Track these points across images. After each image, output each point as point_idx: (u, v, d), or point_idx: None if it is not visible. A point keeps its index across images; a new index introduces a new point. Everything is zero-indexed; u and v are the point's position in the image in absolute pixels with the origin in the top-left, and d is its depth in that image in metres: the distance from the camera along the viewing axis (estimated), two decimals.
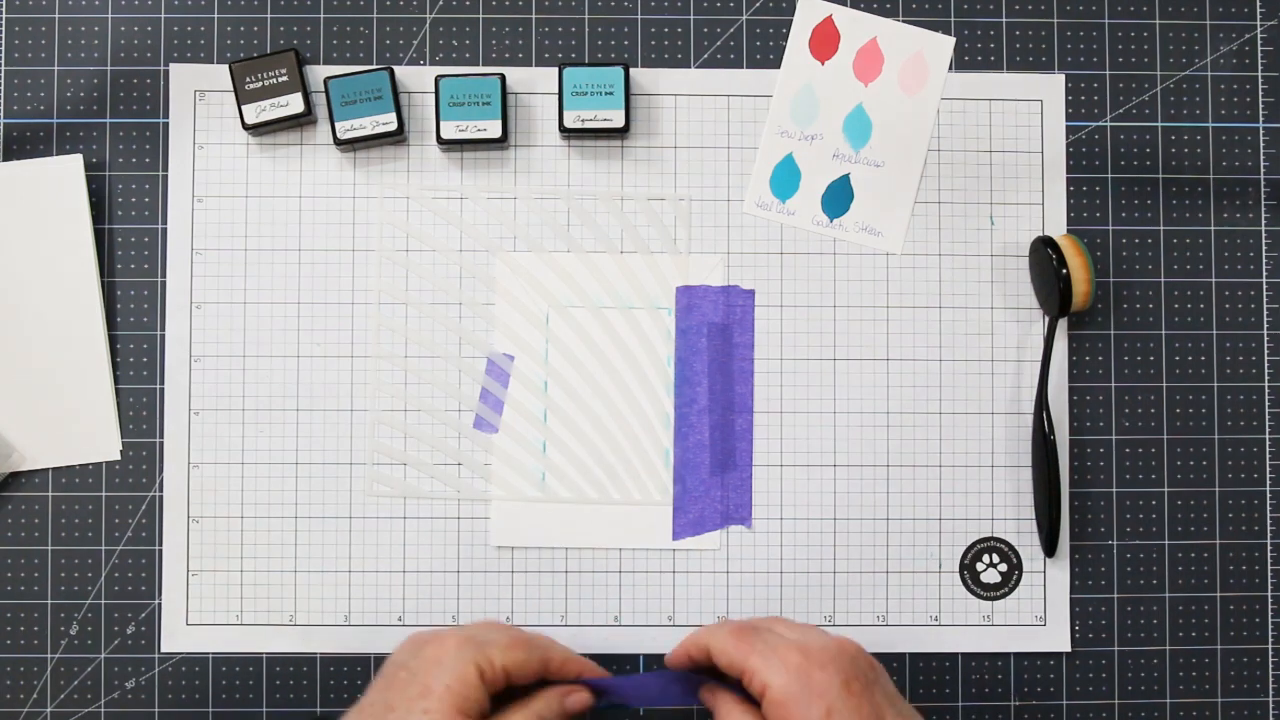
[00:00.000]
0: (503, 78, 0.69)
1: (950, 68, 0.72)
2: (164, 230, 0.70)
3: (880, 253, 0.71)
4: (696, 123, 0.71)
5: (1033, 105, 0.72)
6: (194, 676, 0.69)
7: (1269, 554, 0.71)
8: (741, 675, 0.56)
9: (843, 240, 0.71)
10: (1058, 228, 0.72)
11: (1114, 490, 0.71)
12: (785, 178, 0.71)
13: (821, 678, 0.54)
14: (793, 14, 0.72)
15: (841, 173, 0.72)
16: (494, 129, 0.69)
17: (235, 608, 0.69)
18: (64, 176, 0.69)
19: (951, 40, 0.72)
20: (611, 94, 0.69)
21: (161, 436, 0.70)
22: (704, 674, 0.59)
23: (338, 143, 0.69)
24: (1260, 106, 0.73)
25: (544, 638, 0.60)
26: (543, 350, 0.71)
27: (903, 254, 0.71)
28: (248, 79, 0.69)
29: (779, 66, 0.72)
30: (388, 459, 0.70)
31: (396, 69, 0.70)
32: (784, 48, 0.72)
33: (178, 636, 0.69)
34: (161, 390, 0.70)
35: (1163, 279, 0.72)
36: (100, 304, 0.69)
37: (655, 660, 0.70)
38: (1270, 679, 0.71)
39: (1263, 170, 0.72)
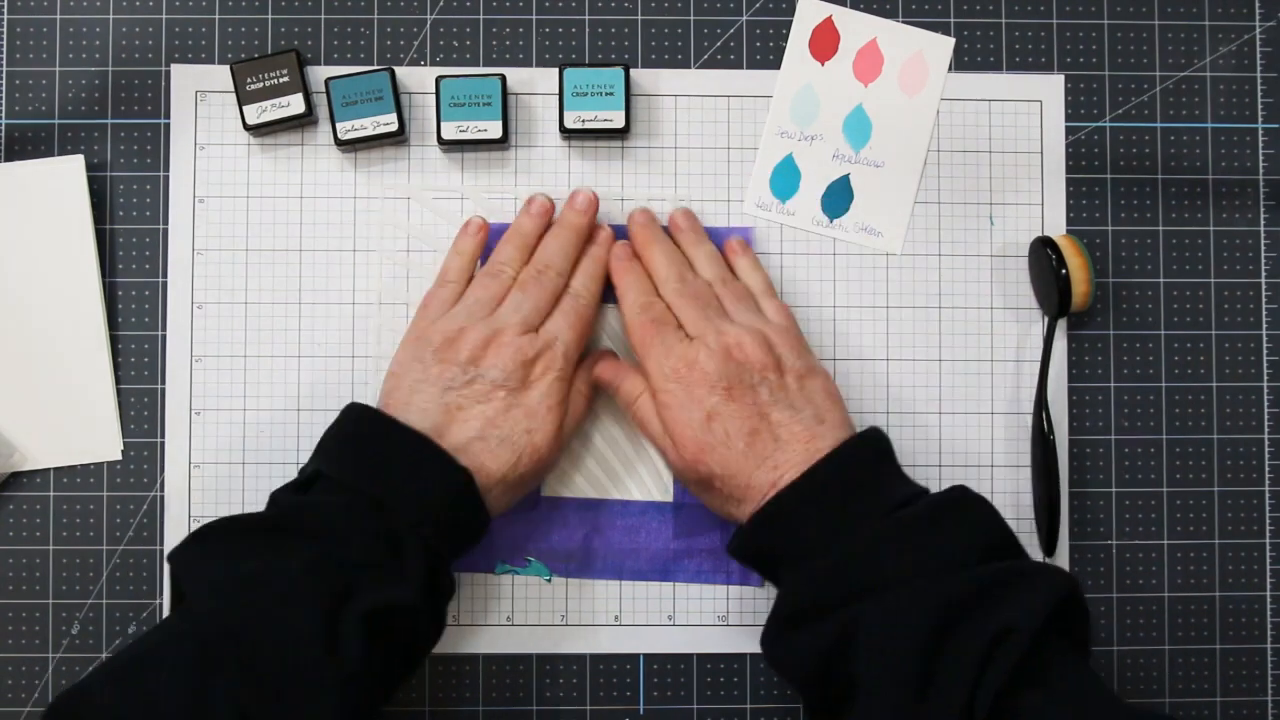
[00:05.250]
0: (503, 78, 0.69)
1: (950, 68, 0.72)
2: (165, 230, 0.70)
3: (880, 253, 0.71)
4: (696, 123, 0.72)
5: (1032, 105, 0.72)
6: None
7: (1269, 554, 0.71)
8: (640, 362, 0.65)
9: (842, 241, 0.72)
10: (1057, 228, 0.72)
11: (1114, 490, 0.71)
12: (785, 178, 0.72)
13: (701, 391, 0.62)
14: (792, 14, 0.72)
15: (841, 173, 0.72)
16: (494, 129, 0.69)
17: None
18: (65, 177, 0.70)
19: (951, 41, 0.72)
20: (612, 94, 0.69)
21: (162, 436, 0.70)
22: None
23: (338, 143, 0.69)
24: (1260, 106, 0.73)
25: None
26: None
27: (902, 254, 0.72)
28: (249, 79, 0.69)
29: (779, 67, 0.72)
30: None
31: (397, 69, 0.70)
32: (784, 48, 0.72)
33: None
34: (162, 390, 0.70)
35: (1162, 279, 0.72)
36: (101, 304, 0.70)
37: (655, 660, 0.70)
38: (1270, 679, 0.71)
39: (1262, 170, 0.73)
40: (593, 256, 0.68)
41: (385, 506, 0.58)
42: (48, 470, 0.70)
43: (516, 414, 0.62)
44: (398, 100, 0.69)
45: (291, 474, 0.62)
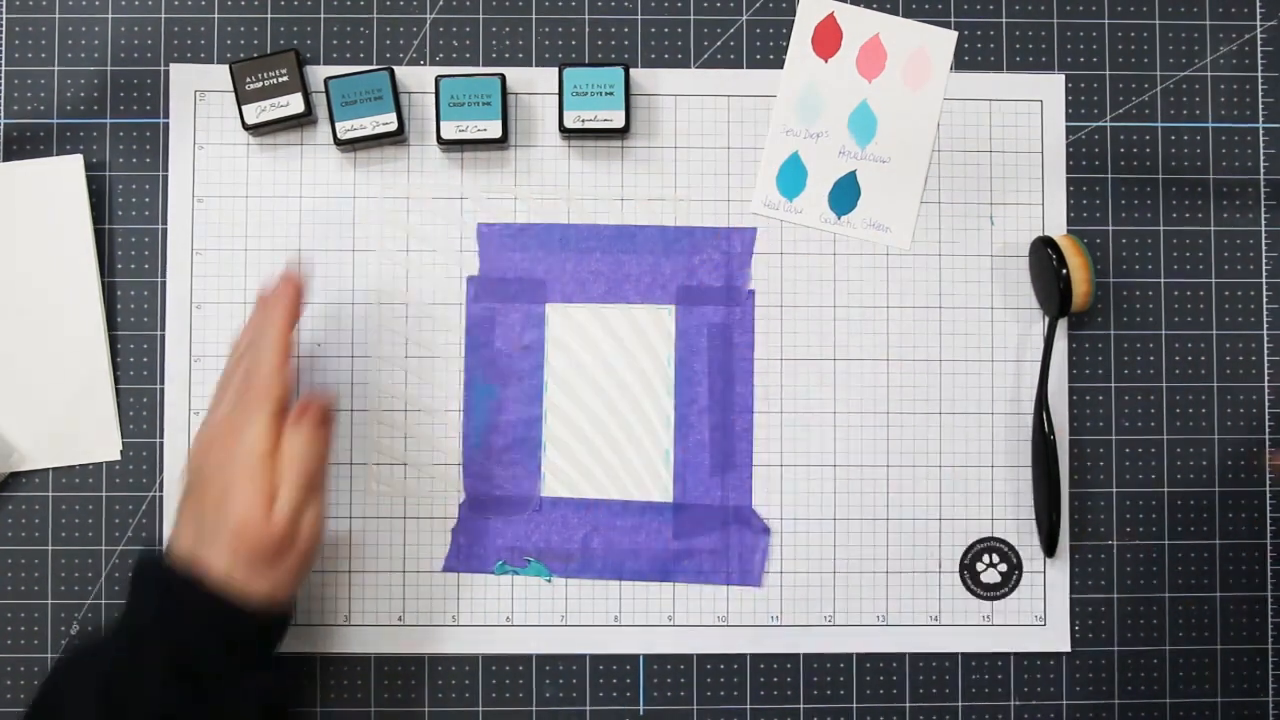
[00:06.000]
0: (503, 78, 0.69)
1: (951, 65, 0.72)
2: (164, 230, 0.70)
3: (887, 250, 0.71)
4: (696, 123, 0.71)
5: (1033, 105, 0.72)
6: None
7: (1269, 554, 0.71)
8: None
9: (851, 237, 0.71)
10: (1058, 228, 0.72)
11: (1114, 490, 0.71)
12: (792, 176, 0.71)
13: None
14: (792, 14, 0.72)
15: (848, 169, 0.72)
16: (494, 129, 0.69)
17: None
18: (64, 176, 0.69)
19: (954, 34, 0.72)
20: (611, 94, 0.69)
21: (161, 436, 0.70)
22: None
23: (338, 143, 0.69)
24: (1260, 106, 0.73)
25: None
26: (542, 349, 0.70)
27: (903, 254, 0.71)
28: (248, 79, 0.69)
29: (779, 66, 0.72)
30: (388, 459, 0.70)
31: (396, 69, 0.70)
32: (784, 47, 0.72)
33: None
34: (161, 390, 0.70)
35: (1163, 279, 0.72)
36: (100, 304, 0.69)
37: (655, 660, 0.70)
38: (1270, 679, 0.71)
39: (1263, 170, 0.72)
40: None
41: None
42: (46, 470, 0.69)
43: None
44: (397, 100, 0.69)
45: None
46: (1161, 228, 0.72)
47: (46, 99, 0.70)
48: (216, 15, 0.71)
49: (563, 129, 0.69)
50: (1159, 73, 0.72)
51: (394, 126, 0.69)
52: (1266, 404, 0.72)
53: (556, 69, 0.70)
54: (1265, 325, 0.72)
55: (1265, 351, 0.72)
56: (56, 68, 0.71)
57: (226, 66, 0.70)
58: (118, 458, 0.70)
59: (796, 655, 0.70)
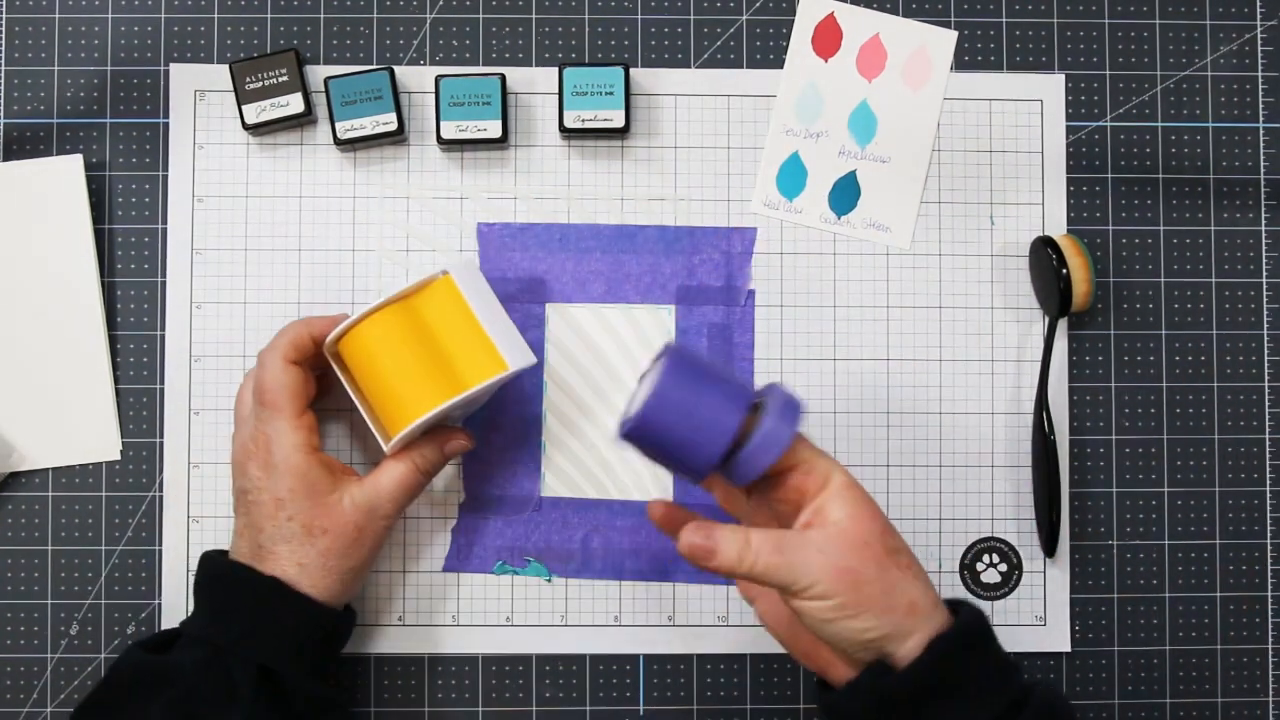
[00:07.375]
0: (503, 78, 0.69)
1: (952, 65, 0.72)
2: (164, 230, 0.70)
3: (887, 250, 0.71)
4: (696, 123, 0.71)
5: (1033, 105, 0.72)
6: None
7: (1269, 554, 0.71)
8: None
9: (851, 237, 0.71)
10: (1058, 228, 0.72)
11: (1114, 490, 0.71)
12: (792, 176, 0.71)
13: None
14: (792, 14, 0.72)
15: (848, 169, 0.72)
16: (494, 129, 0.69)
17: None
18: (64, 176, 0.69)
19: (954, 34, 0.72)
20: (611, 94, 0.69)
21: (161, 436, 0.70)
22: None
23: (338, 143, 0.69)
24: (1260, 106, 0.73)
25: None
26: (542, 349, 0.70)
27: (903, 254, 0.71)
28: (248, 79, 0.69)
29: (779, 66, 0.72)
30: None
31: (396, 69, 0.70)
32: (784, 47, 0.72)
33: None
34: (161, 390, 0.70)
35: (1163, 279, 0.72)
36: (100, 304, 0.69)
37: (655, 660, 0.70)
38: (1270, 679, 0.71)
39: (1263, 170, 0.72)
40: None
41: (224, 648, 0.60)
42: (46, 470, 0.69)
43: None
44: (397, 100, 0.69)
45: None
46: (1161, 228, 0.72)
47: (46, 99, 0.70)
48: (216, 15, 0.71)
49: (563, 129, 0.69)
50: (1159, 73, 0.72)
51: (394, 126, 0.69)
52: (1267, 404, 0.72)
53: (556, 69, 0.70)
54: (1265, 325, 0.72)
55: (1265, 351, 0.72)
56: (56, 68, 0.71)
57: (226, 66, 0.70)
58: (118, 458, 0.70)
59: None
